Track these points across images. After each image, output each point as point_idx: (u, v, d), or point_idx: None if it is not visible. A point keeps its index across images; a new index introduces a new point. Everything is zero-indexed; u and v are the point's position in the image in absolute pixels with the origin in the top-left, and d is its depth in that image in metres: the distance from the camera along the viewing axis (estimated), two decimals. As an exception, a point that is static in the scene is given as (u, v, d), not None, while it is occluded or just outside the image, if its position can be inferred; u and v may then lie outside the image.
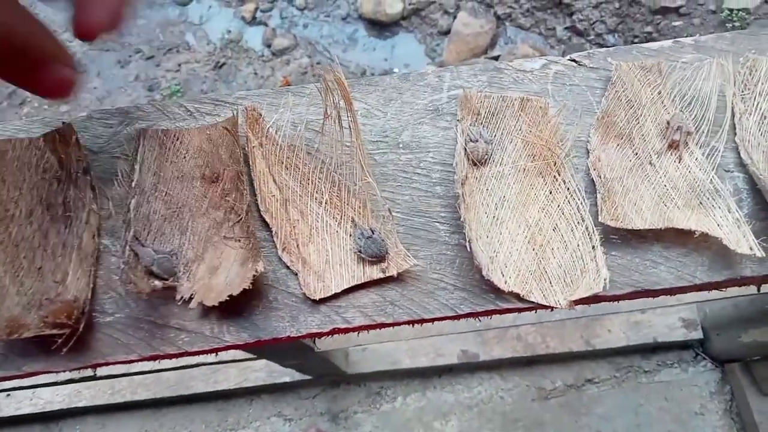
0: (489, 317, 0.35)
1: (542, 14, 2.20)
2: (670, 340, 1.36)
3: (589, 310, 1.12)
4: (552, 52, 2.13)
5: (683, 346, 1.40)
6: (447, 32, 2.25)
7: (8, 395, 1.42)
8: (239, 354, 1.09)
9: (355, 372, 1.38)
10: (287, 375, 1.40)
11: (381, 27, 2.35)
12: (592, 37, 2.12)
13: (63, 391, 1.40)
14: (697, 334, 1.35)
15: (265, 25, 2.41)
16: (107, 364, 0.32)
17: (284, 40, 2.35)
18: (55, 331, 0.29)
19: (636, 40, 2.06)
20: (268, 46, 2.35)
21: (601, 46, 2.10)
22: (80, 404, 1.40)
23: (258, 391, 1.49)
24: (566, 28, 2.16)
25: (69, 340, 0.30)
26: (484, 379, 1.47)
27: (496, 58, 2.12)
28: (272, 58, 2.35)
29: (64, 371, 0.32)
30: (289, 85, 0.32)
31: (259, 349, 0.89)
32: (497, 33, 2.23)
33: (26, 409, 1.40)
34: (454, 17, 2.24)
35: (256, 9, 2.44)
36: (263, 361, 1.38)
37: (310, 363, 1.18)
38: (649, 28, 2.05)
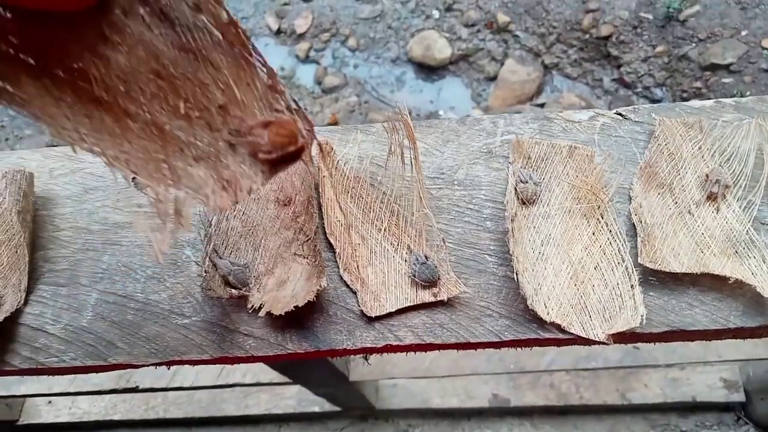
0: (530, 348, 0.37)
1: (590, 65, 2.24)
2: (710, 400, 1.32)
3: (626, 360, 1.11)
4: (598, 103, 2.16)
5: (724, 407, 1.36)
6: (494, 78, 2.31)
7: (50, 402, 1.48)
8: (273, 378, 1.12)
9: (384, 407, 1.39)
10: (317, 405, 1.42)
11: (429, 70, 2.43)
12: (639, 89, 2.13)
13: (100, 402, 1.45)
14: (739, 397, 1.31)
15: (318, 63, 2.52)
16: (182, 362, 0.35)
17: (335, 79, 2.45)
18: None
19: (684, 95, 2.06)
20: (319, 83, 2.46)
21: (649, 99, 2.11)
22: (115, 417, 1.45)
23: (287, 419, 1.51)
24: (614, 79, 2.19)
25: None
26: (514, 426, 1.45)
27: (541, 106, 2.16)
28: (322, 95, 2.45)
29: (145, 365, 0.35)
30: (336, 123, 0.35)
31: (297, 373, 0.92)
32: (544, 81, 2.27)
33: (64, 418, 1.46)
34: (502, 64, 2.30)
35: (310, 48, 2.55)
36: (294, 389, 1.40)
37: (341, 393, 1.19)
38: (698, 84, 2.06)
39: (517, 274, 0.33)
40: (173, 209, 0.25)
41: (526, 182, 0.37)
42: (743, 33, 2.07)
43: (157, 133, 0.25)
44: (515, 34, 2.35)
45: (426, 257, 0.35)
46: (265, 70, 0.26)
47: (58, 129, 0.24)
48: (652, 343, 1.12)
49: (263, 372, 1.15)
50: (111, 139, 0.24)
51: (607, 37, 2.22)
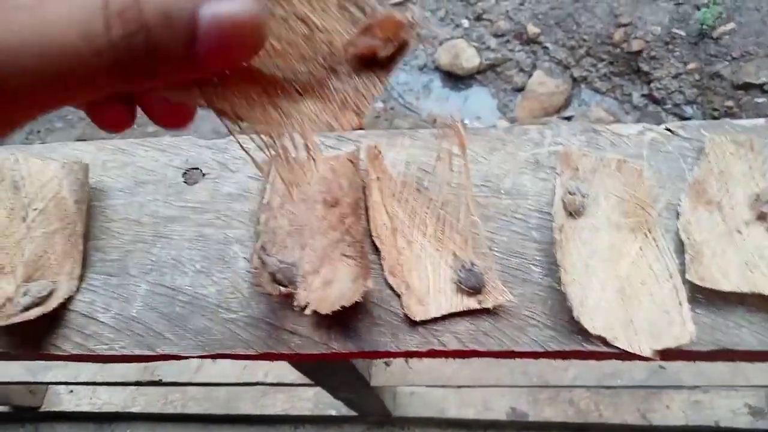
0: (565, 360, 0.37)
1: (619, 79, 2.22)
2: (734, 426, 1.29)
3: (651, 379, 1.10)
4: (626, 118, 2.14)
5: (748, 434, 1.33)
6: (521, 89, 2.30)
7: (71, 391, 1.50)
8: (295, 378, 1.13)
9: (400, 415, 1.39)
10: (334, 409, 1.42)
11: (456, 79, 2.43)
12: (669, 106, 2.11)
13: (121, 394, 1.47)
14: (765, 424, 1.28)
15: (346, 69, 2.53)
16: (228, 356, 0.36)
17: (362, 85, 2.46)
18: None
19: (715, 113, 2.04)
20: (347, 89, 2.47)
21: (678, 116, 2.09)
22: (134, 409, 1.47)
23: (303, 421, 1.51)
24: (643, 95, 2.17)
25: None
26: (531, 440, 1.43)
27: (568, 119, 2.14)
28: (348, 100, 2.45)
29: (192, 357, 0.36)
30: (362, 128, 0.35)
31: (321, 375, 0.92)
32: (572, 94, 2.26)
33: (85, 407, 1.48)
34: (530, 75, 2.30)
35: (339, 54, 2.56)
36: (312, 391, 1.41)
37: (360, 398, 1.19)
38: (730, 103, 2.03)
39: (564, 285, 0.33)
40: (299, 144, 0.26)
41: (574, 194, 0.37)
42: (779, 53, 2.03)
43: (256, 76, 0.26)
44: (545, 46, 2.34)
45: (473, 264, 0.36)
46: None
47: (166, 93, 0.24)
48: (679, 364, 1.11)
49: (285, 373, 1.15)
50: (212, 90, 0.25)
51: (638, 52, 2.21)
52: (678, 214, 0.37)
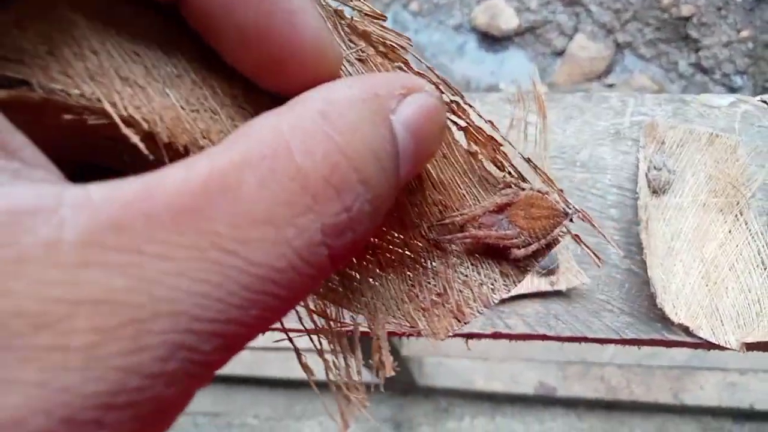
0: (644, 348, 0.35)
1: (666, 46, 2.12)
2: (770, 409, 1.27)
3: (693, 361, 1.07)
4: (671, 87, 2.05)
5: (784, 417, 1.30)
6: (561, 53, 2.21)
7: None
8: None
9: (425, 384, 1.38)
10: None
11: (492, 41, 2.34)
12: (717, 76, 2.01)
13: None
14: (803, 408, 1.25)
15: (378, 29, 2.47)
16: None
17: (394, 46, 2.39)
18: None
19: (767, 84, 1.93)
20: (378, 49, 2.41)
21: (727, 86, 1.99)
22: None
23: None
24: (690, 63, 2.07)
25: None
26: (559, 416, 1.42)
27: (610, 86, 2.06)
28: (380, 61, 2.40)
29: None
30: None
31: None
32: (614, 60, 2.16)
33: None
34: (571, 39, 2.20)
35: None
36: (338, 356, 1.41)
37: (388, 364, 1.19)
38: (784, 74, 1.92)
39: (649, 269, 0.31)
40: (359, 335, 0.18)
41: (660, 169, 0.34)
42: (842, 21, 1.91)
43: None
44: (588, 9, 2.24)
45: (545, 242, 0.33)
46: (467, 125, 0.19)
47: None
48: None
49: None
50: None
51: (687, 18, 2.09)
52: (773, 196, 0.34)
